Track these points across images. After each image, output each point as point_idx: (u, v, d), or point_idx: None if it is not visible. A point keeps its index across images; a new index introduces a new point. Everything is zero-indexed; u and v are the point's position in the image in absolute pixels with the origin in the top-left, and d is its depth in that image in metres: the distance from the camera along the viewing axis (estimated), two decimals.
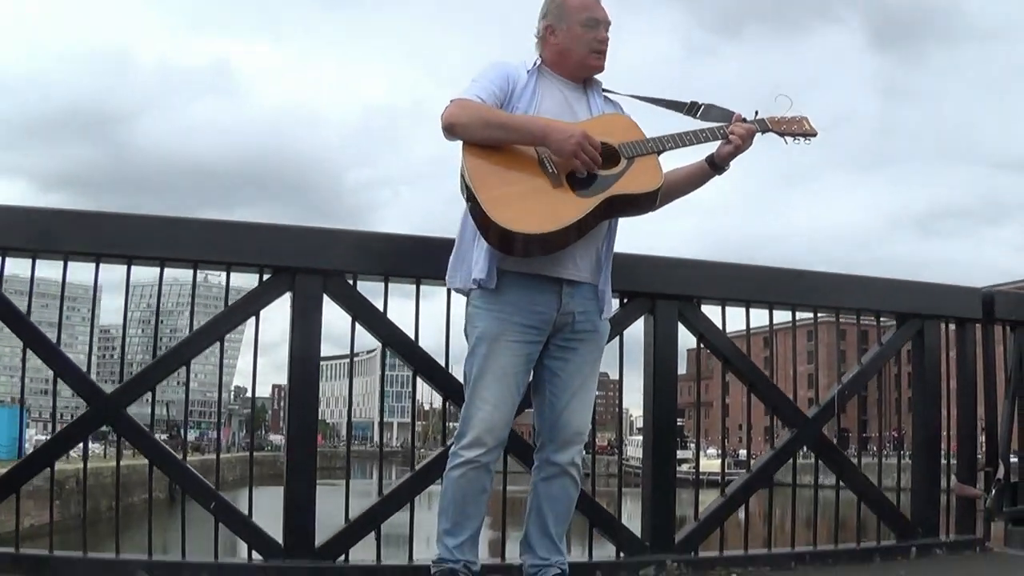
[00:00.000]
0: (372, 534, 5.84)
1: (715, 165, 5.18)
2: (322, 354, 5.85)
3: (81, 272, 5.80)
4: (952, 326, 7.65)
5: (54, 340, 5.54)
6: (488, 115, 4.77)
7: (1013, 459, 7.71)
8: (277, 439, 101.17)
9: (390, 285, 5.96)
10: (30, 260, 5.58)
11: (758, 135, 5.18)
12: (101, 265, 5.67)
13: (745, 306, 6.82)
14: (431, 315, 6.05)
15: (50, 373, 5.45)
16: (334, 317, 5.91)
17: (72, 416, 5.67)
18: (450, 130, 4.77)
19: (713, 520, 6.52)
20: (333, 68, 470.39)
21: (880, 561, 6.89)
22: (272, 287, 5.76)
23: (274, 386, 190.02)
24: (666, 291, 6.42)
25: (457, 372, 5.68)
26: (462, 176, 4.77)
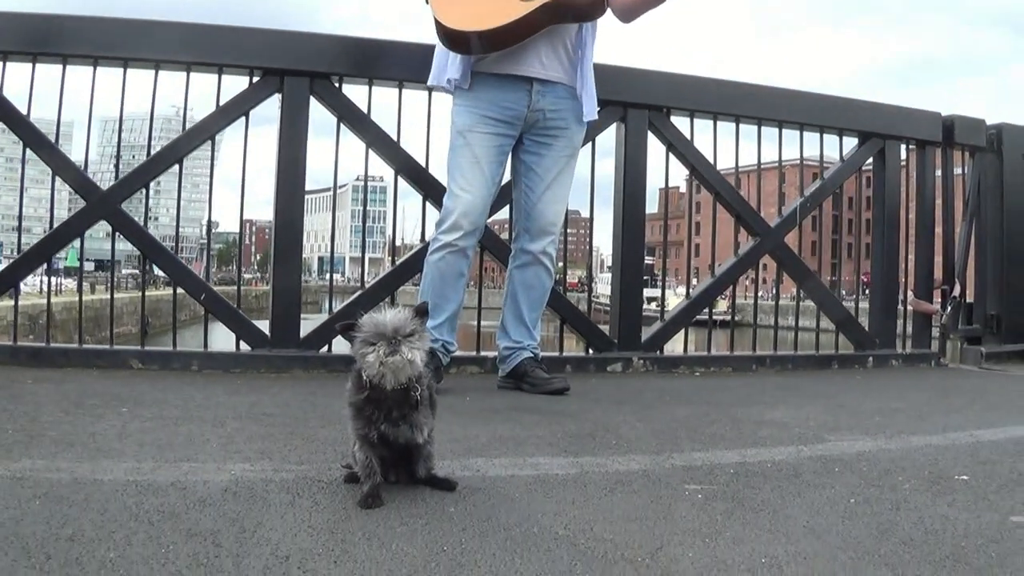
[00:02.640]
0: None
1: None
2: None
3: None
4: (912, 147, 7.89)
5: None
6: None
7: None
8: (249, 277, 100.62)
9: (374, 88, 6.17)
10: (30, 64, 5.80)
11: None
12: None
13: (713, 118, 7.02)
14: (417, 121, 6.30)
15: (14, 211, 5.70)
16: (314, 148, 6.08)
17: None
18: None
19: (678, 321, 6.83)
20: None
21: (838, 367, 7.21)
22: (262, 88, 5.99)
23: (246, 220, 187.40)
24: (637, 100, 6.64)
25: (437, 174, 5.98)
26: None
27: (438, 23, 4.98)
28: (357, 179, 6.33)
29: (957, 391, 6.17)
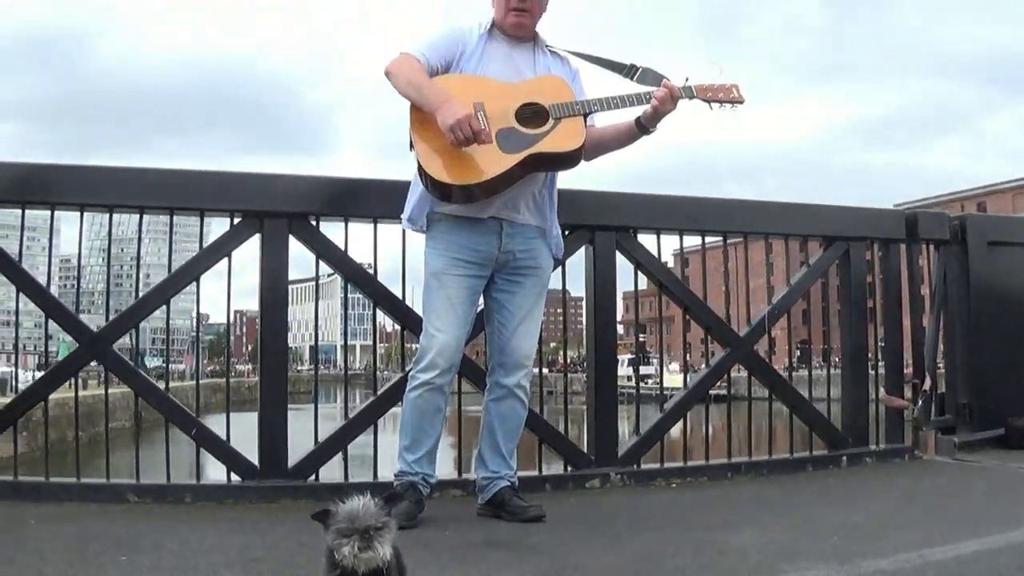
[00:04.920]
0: (340, 454, 6.34)
1: (642, 126, 5.59)
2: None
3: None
4: (877, 247, 8.08)
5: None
6: (411, 75, 5.28)
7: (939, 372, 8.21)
8: (242, 367, 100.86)
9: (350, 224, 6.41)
10: (19, 210, 6.04)
11: (684, 100, 5.56)
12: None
13: (679, 234, 7.25)
14: (390, 243, 6.52)
15: (10, 306, 5.93)
16: (301, 249, 6.35)
17: (35, 347, 6.13)
18: (386, 77, 5.31)
19: (654, 434, 6.99)
20: None
21: (812, 470, 7.35)
22: (242, 230, 6.22)
23: (236, 312, 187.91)
24: (604, 223, 6.85)
25: (412, 304, 6.22)
26: (409, 127, 5.28)
27: (423, 171, 5.23)
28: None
29: (921, 495, 6.35)
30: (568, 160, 5.46)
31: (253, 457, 6.16)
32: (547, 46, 5.72)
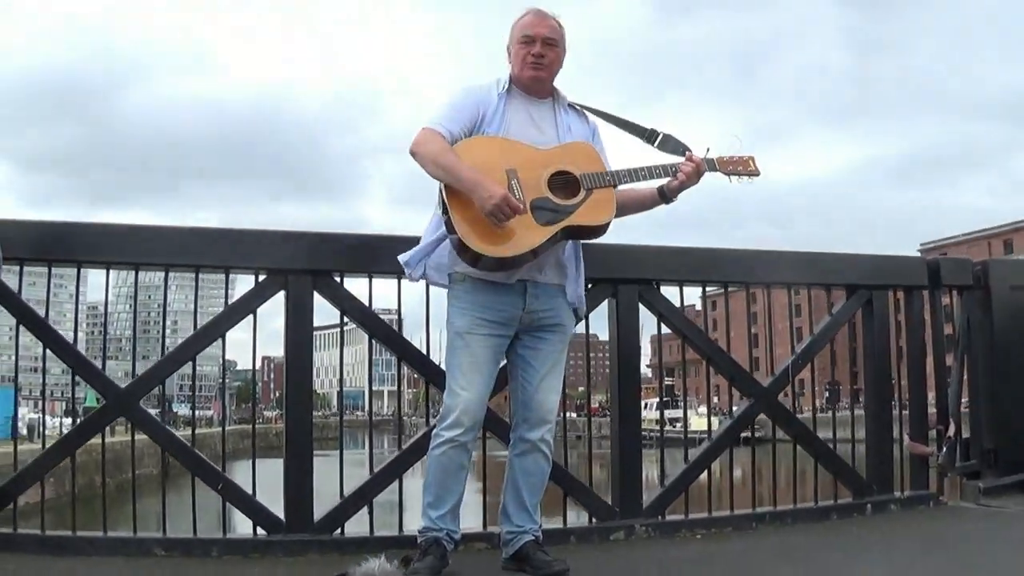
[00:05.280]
0: (365, 508, 6.36)
1: (665, 196, 5.72)
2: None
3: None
4: (900, 293, 8.10)
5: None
6: (438, 156, 5.28)
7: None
8: (269, 413, 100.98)
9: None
10: (46, 268, 6.12)
11: (706, 173, 5.70)
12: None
13: (701, 286, 7.36)
14: (415, 289, 6.52)
15: (38, 351, 5.98)
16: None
17: (63, 393, 6.18)
18: (413, 157, 5.33)
19: (678, 485, 7.00)
20: (312, 42, 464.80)
21: (837, 518, 7.35)
22: (267, 287, 6.30)
23: (264, 358, 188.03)
24: (626, 276, 6.93)
25: (438, 353, 6.25)
26: (440, 192, 5.30)
27: (461, 241, 5.22)
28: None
29: (945, 543, 6.38)
30: (599, 232, 5.52)
31: (279, 510, 6.18)
32: (567, 102, 5.78)
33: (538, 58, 5.58)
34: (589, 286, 6.43)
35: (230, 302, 6.39)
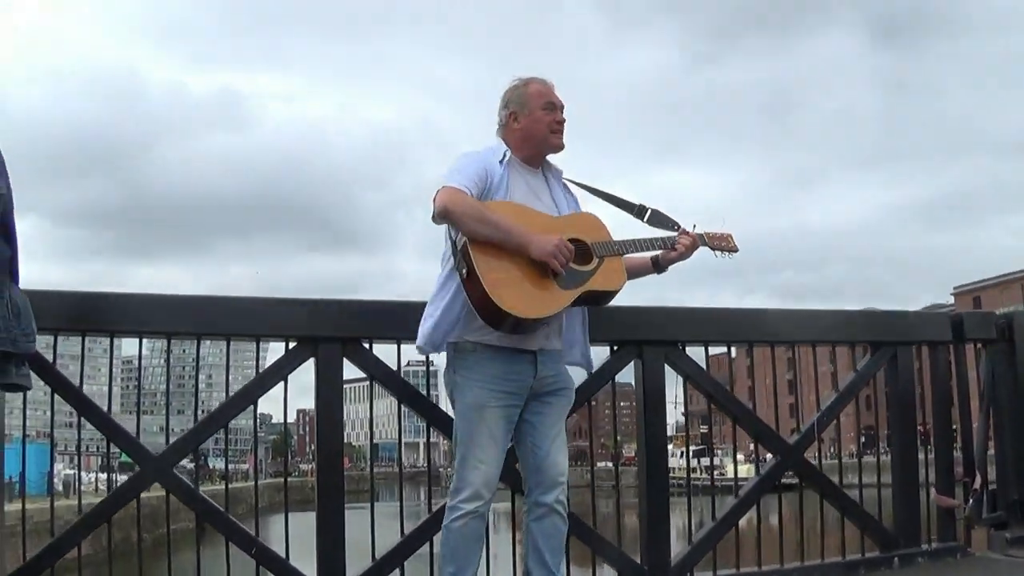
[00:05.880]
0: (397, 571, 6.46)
1: (658, 266, 5.98)
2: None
3: None
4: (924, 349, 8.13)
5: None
6: (478, 213, 5.34)
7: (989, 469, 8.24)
8: (304, 467, 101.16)
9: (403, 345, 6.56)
10: (80, 337, 6.25)
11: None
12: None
13: (727, 346, 7.48)
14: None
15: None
16: None
17: (98, 447, 6.29)
18: (445, 216, 5.33)
19: (706, 543, 7.06)
20: (340, 95, 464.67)
21: (865, 572, 7.42)
22: (297, 354, 6.41)
23: (299, 411, 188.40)
24: (652, 338, 7.01)
25: None
26: (462, 253, 5.34)
27: (492, 303, 5.26)
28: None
29: None
30: (611, 297, 5.71)
31: (312, 569, 6.28)
32: (560, 175, 5.95)
33: (561, 124, 5.74)
34: (615, 348, 6.64)
35: (262, 368, 6.47)
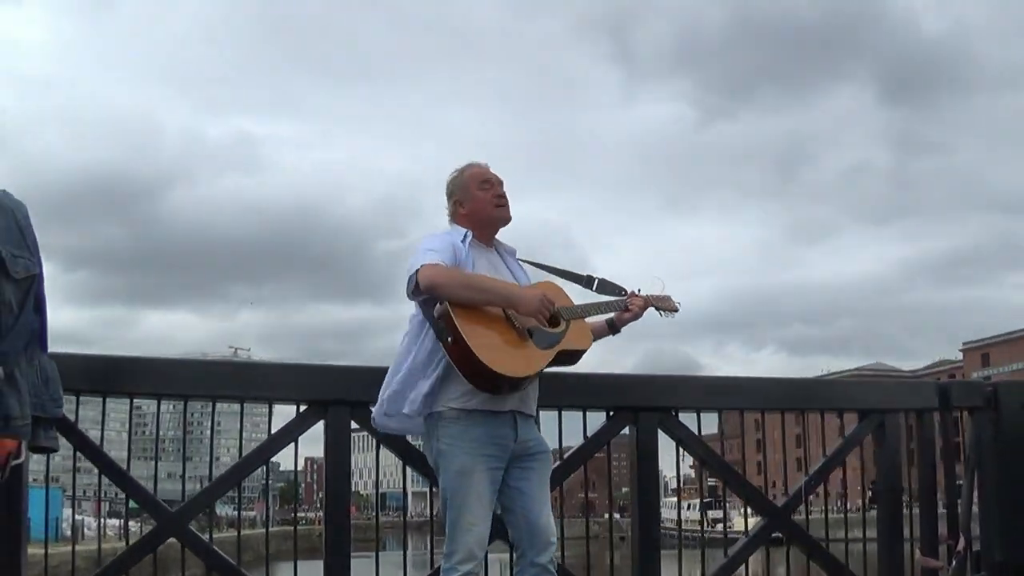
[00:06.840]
0: None
1: (614, 327, 6.43)
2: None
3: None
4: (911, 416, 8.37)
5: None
6: (465, 279, 5.71)
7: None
8: (312, 515, 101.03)
9: None
10: (100, 399, 6.52)
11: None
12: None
13: (719, 412, 7.74)
14: None
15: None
16: None
17: (116, 494, 6.61)
18: (432, 289, 5.61)
19: None
20: (353, 143, 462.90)
21: None
22: (308, 417, 6.69)
23: (307, 459, 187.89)
24: (647, 404, 7.28)
25: None
26: (444, 321, 5.60)
27: (483, 365, 5.53)
28: None
29: None
30: (580, 356, 6.14)
31: None
32: (510, 251, 6.33)
33: (502, 198, 6.15)
34: (611, 413, 6.93)
35: (273, 431, 6.75)
